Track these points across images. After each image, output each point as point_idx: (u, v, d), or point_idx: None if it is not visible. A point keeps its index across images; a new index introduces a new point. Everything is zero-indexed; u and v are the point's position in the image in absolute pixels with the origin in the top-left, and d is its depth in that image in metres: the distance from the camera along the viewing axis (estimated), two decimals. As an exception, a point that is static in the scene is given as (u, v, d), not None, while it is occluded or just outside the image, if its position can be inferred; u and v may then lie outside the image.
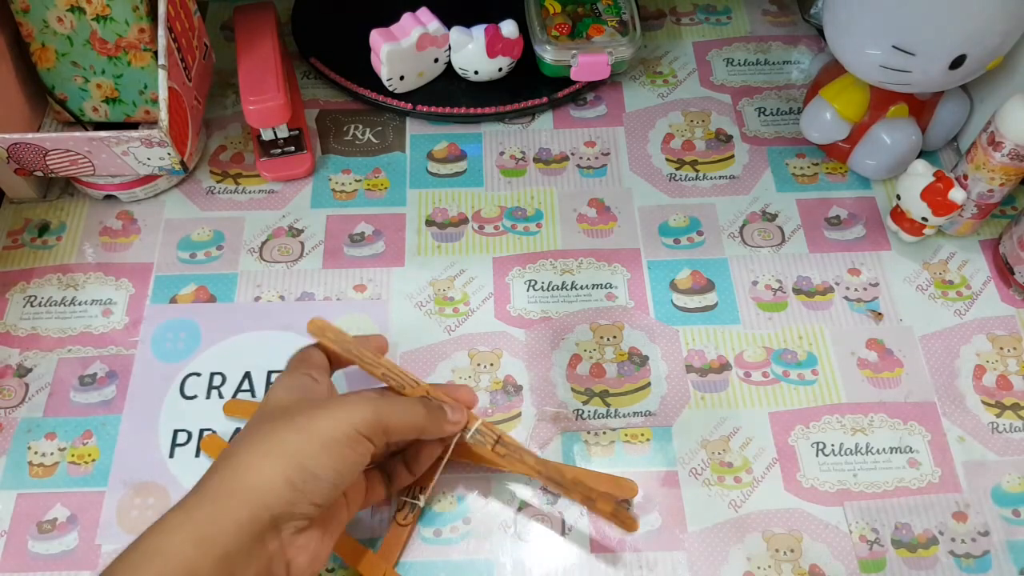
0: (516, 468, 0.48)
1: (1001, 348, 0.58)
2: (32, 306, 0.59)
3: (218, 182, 0.66)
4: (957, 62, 0.56)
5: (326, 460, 0.40)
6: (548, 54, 0.67)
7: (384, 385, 0.49)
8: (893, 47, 0.56)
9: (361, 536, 0.50)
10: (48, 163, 0.58)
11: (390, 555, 0.49)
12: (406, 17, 0.65)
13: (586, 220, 0.64)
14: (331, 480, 0.40)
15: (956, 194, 0.57)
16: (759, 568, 0.50)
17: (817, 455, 0.54)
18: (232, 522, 0.38)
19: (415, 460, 0.49)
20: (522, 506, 0.52)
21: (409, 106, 0.68)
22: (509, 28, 0.65)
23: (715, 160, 0.67)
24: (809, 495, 0.52)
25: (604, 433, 0.54)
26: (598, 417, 0.55)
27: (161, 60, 0.56)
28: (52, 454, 0.53)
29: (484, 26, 0.66)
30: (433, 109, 0.68)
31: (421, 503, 0.50)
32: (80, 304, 0.59)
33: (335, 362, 0.49)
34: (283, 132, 0.64)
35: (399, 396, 0.47)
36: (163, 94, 0.56)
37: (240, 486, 0.39)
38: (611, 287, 0.61)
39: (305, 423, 0.41)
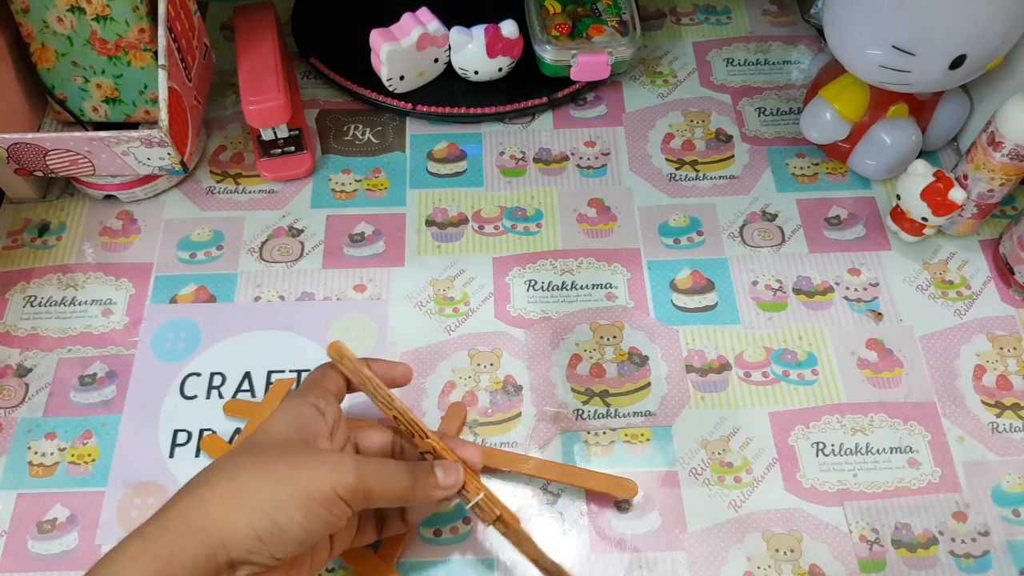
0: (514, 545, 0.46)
1: (1001, 348, 0.58)
2: (32, 306, 0.59)
3: (218, 182, 0.66)
4: (957, 62, 0.56)
5: (297, 517, 0.39)
6: (548, 54, 0.67)
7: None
8: (893, 47, 0.56)
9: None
10: (48, 163, 0.58)
11: (390, 555, 0.49)
12: (406, 17, 0.65)
13: (586, 220, 0.64)
14: (297, 538, 0.39)
15: (956, 194, 0.57)
16: (759, 568, 0.50)
17: (817, 455, 0.54)
18: (189, 559, 0.37)
19: (411, 510, 0.47)
20: (522, 506, 0.52)
21: (409, 106, 0.68)
22: (509, 28, 0.65)
23: (715, 160, 0.67)
24: (809, 495, 0.52)
25: (604, 433, 0.54)
26: (598, 417, 0.55)
27: (161, 60, 0.56)
28: (52, 454, 0.53)
29: (484, 26, 0.66)
30: (433, 109, 0.68)
31: None
32: (80, 304, 0.59)
33: (352, 386, 0.47)
34: (283, 132, 0.64)
35: (386, 460, 0.44)
36: (163, 94, 0.56)
37: (203, 523, 0.38)
38: (611, 287, 0.61)
39: (286, 474, 0.40)
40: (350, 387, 0.47)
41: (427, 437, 0.46)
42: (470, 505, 0.45)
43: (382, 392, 0.46)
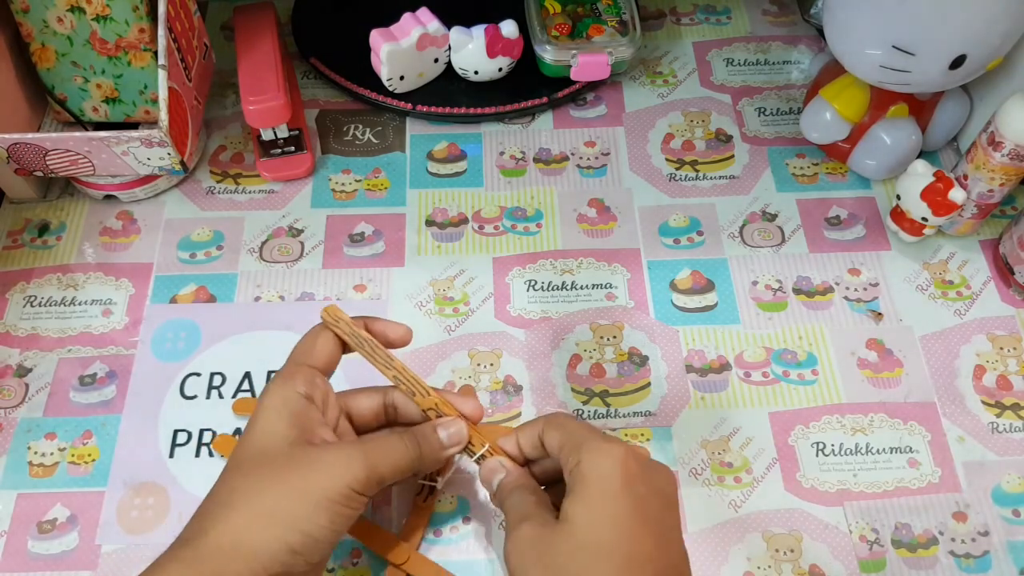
0: None
1: (1001, 348, 0.58)
2: (32, 306, 0.59)
3: (218, 182, 0.66)
4: (957, 62, 0.56)
5: (325, 523, 0.40)
6: (548, 54, 0.67)
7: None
8: (893, 47, 0.56)
9: (380, 521, 0.50)
10: (48, 163, 0.58)
11: (413, 538, 0.49)
12: (406, 17, 0.65)
13: (586, 220, 0.64)
14: (329, 540, 0.40)
15: (956, 194, 0.57)
16: (759, 568, 0.50)
17: (817, 455, 0.54)
18: None
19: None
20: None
21: (409, 106, 0.68)
22: (509, 28, 0.65)
23: (715, 160, 0.67)
24: (809, 495, 0.52)
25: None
26: (598, 417, 0.55)
27: (161, 60, 0.56)
28: (52, 454, 0.53)
29: (484, 26, 0.66)
30: (433, 109, 0.68)
31: (439, 485, 0.49)
32: (80, 304, 0.59)
33: (348, 347, 0.47)
34: (283, 132, 0.64)
35: (389, 439, 0.44)
36: (163, 94, 0.56)
37: (242, 548, 0.39)
38: (611, 287, 0.61)
39: (301, 483, 0.40)
40: (346, 348, 0.47)
41: (429, 395, 0.46)
42: (475, 457, 0.46)
43: (380, 353, 0.46)
